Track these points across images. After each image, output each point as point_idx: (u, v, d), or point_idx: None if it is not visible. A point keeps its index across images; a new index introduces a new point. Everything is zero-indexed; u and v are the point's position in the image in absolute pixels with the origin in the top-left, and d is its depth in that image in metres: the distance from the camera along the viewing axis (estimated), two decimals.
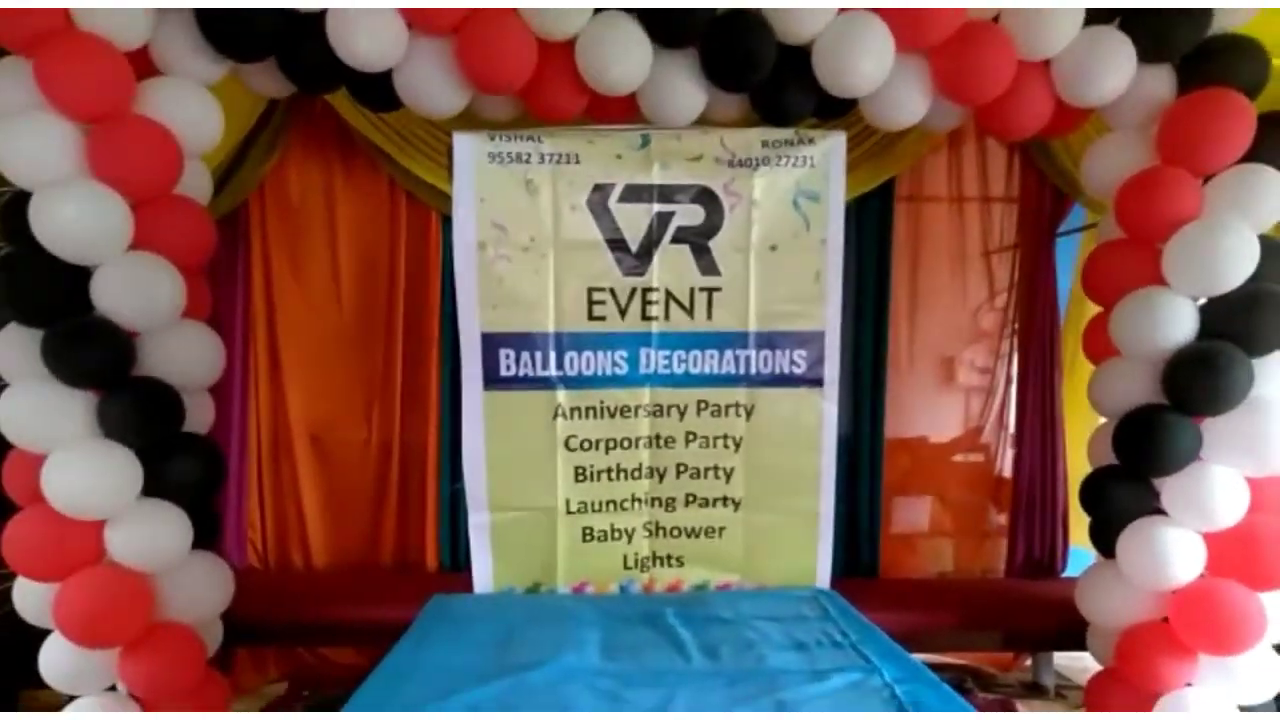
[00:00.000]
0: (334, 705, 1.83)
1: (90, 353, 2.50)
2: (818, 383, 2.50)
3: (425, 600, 2.78)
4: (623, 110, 2.82)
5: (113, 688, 2.71)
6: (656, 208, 2.38)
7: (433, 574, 3.70)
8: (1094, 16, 2.69)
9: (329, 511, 3.82)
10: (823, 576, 2.58)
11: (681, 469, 2.46)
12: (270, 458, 3.75)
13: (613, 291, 2.41)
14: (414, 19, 2.58)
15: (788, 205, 2.37)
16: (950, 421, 4.18)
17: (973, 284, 4.05)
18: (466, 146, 2.37)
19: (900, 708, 1.70)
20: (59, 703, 3.32)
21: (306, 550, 3.79)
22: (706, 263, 2.39)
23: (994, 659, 4.07)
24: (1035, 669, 3.92)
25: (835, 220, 2.43)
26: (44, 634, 3.03)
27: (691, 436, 2.47)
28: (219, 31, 2.57)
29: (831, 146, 2.43)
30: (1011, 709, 3.64)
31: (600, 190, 2.38)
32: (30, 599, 2.61)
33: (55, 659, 2.61)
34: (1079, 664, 3.69)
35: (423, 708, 1.66)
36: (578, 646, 1.95)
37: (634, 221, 2.37)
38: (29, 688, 3.44)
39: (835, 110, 2.88)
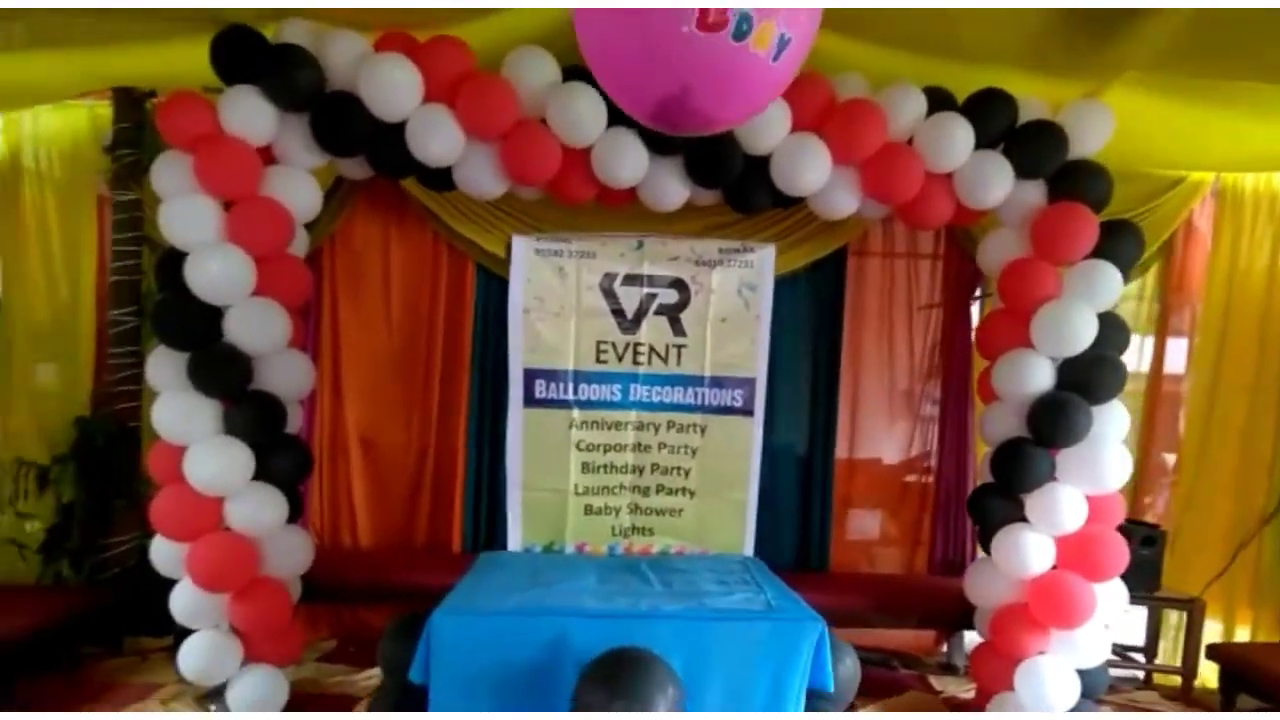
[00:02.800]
0: (418, 620, 2.64)
1: (222, 372, 3.36)
2: (750, 413, 3.38)
3: (451, 573, 3.62)
4: (625, 199, 3.70)
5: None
6: (646, 290, 3.27)
7: (457, 554, 4.49)
8: (983, 142, 3.56)
9: (374, 500, 4.65)
10: (748, 546, 3.42)
11: (655, 467, 3.33)
12: (329, 456, 4.57)
13: (613, 345, 3.29)
14: (471, 130, 3.44)
15: (734, 293, 3.25)
16: (896, 447, 5.01)
17: (913, 331, 4.89)
18: (520, 244, 3.23)
19: (768, 607, 2.56)
20: (155, 648, 4.19)
21: (355, 531, 4.61)
22: (678, 328, 3.28)
23: (917, 644, 4.90)
24: (949, 651, 4.77)
25: (765, 303, 3.33)
26: (142, 592, 3.92)
27: (663, 445, 3.34)
28: (325, 134, 3.43)
29: (765, 255, 3.30)
30: (927, 682, 4.48)
31: (609, 276, 3.26)
32: (165, 555, 3.44)
33: (182, 601, 3.44)
34: None
35: (487, 610, 2.49)
36: (581, 577, 2.83)
37: (630, 298, 3.26)
38: (132, 635, 4.31)
39: (789, 203, 3.77)
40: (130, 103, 4.25)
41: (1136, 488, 4.93)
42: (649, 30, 1.39)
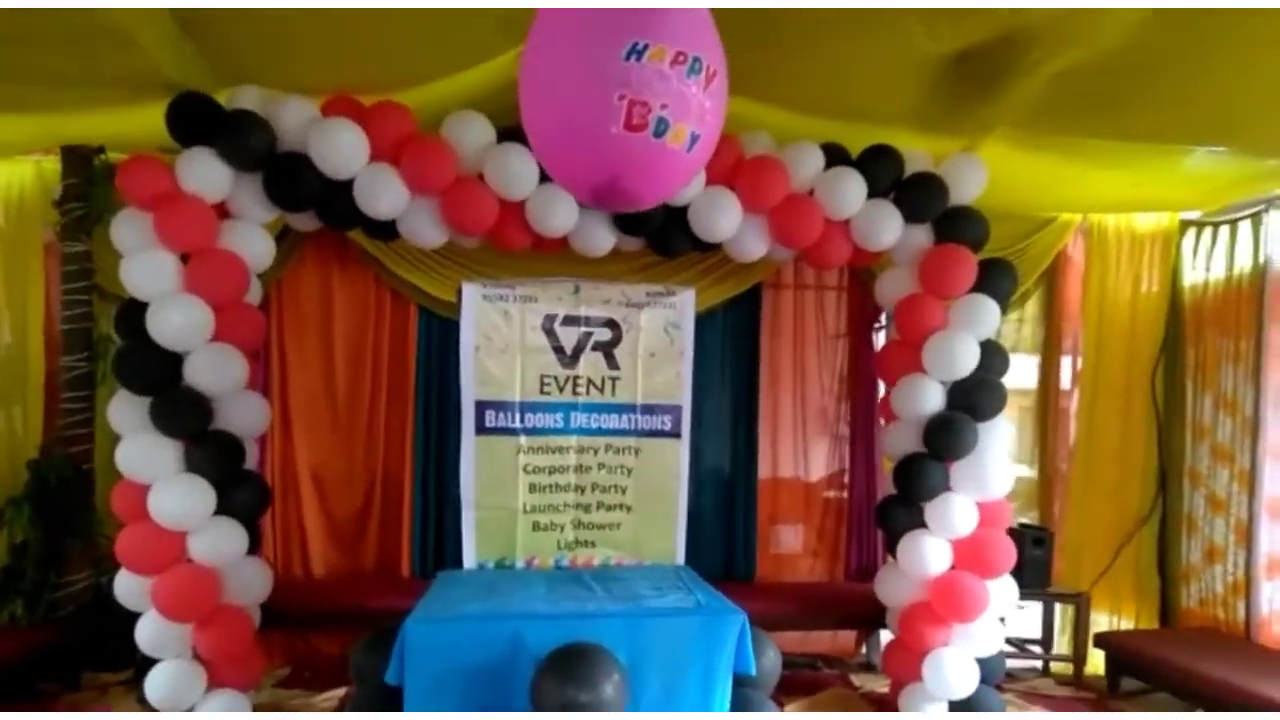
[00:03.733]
0: (388, 635, 2.88)
1: (183, 414, 3.59)
2: (677, 435, 3.74)
3: (401, 596, 3.86)
4: (557, 246, 4.06)
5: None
6: (583, 329, 3.62)
7: (406, 578, 4.76)
8: (874, 192, 4.01)
9: (325, 530, 4.87)
10: (679, 555, 3.76)
11: (594, 486, 3.66)
12: (281, 489, 4.76)
13: (555, 378, 3.64)
14: (414, 186, 3.75)
15: (660, 330, 3.63)
16: (815, 465, 5.42)
17: (825, 359, 5.33)
18: (469, 290, 3.55)
19: (698, 605, 2.91)
20: (113, 682, 4.33)
21: (307, 560, 4.81)
22: (612, 362, 3.64)
23: (840, 646, 5.29)
24: (868, 651, 5.18)
25: (688, 339, 3.70)
26: (98, 629, 4.09)
27: (601, 466, 3.69)
28: (277, 192, 3.71)
29: (686, 297, 3.69)
30: (848, 679, 4.87)
31: (549, 318, 3.61)
32: (129, 588, 3.64)
33: (147, 631, 3.62)
34: None
35: (452, 617, 2.77)
36: (532, 587, 3.14)
37: (569, 337, 3.62)
38: (90, 671, 4.44)
39: (707, 248, 4.17)
40: (78, 159, 4.42)
41: (1039, 494, 5.47)
42: (584, 131, 1.73)
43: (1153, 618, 5.25)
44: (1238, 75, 3.33)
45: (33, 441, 4.65)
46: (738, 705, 2.84)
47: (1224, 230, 4.97)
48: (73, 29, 3.13)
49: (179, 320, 3.53)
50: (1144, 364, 5.21)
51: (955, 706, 4.07)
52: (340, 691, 4.33)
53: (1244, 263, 4.85)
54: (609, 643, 2.52)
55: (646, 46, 1.63)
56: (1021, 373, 5.49)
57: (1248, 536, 4.77)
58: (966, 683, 3.99)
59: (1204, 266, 5.12)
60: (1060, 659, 5.08)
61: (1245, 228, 4.82)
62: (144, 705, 3.86)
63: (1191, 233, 5.18)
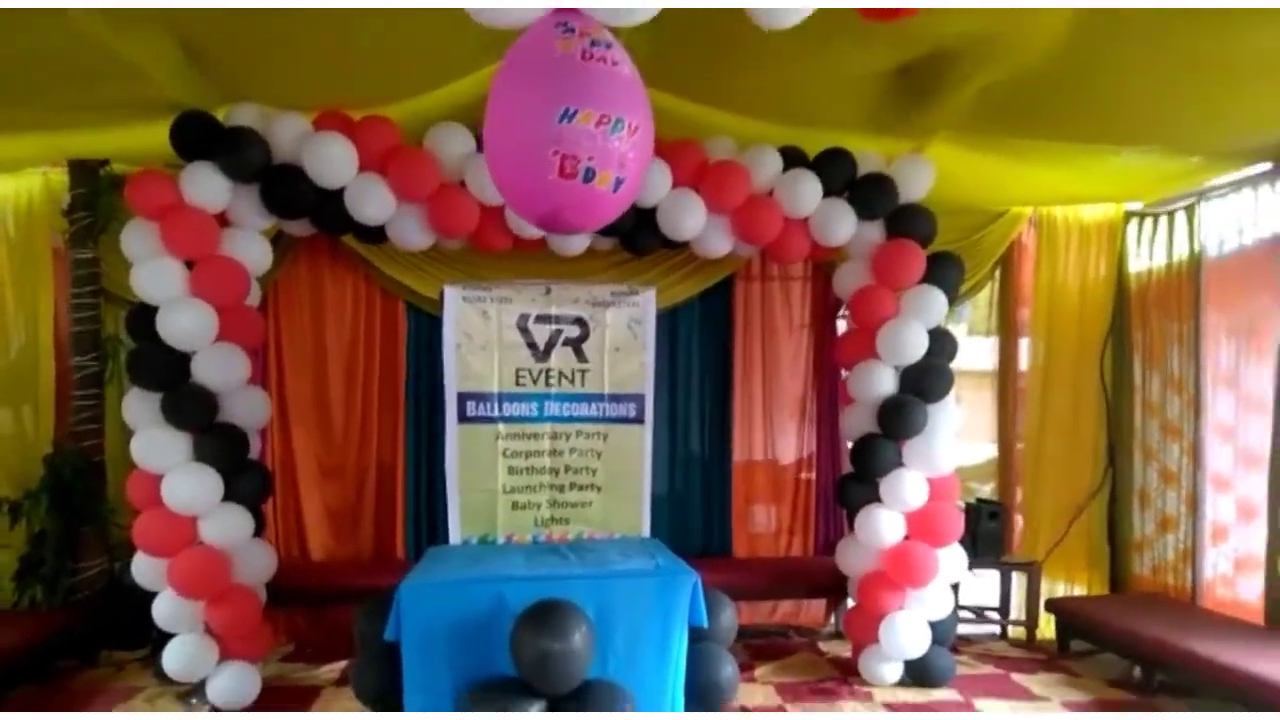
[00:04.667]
0: (387, 602, 3.19)
1: (192, 408, 3.90)
2: (641, 421, 4.06)
3: (397, 576, 4.16)
4: (536, 246, 4.37)
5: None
6: (554, 327, 3.93)
7: (401, 560, 5.09)
8: (830, 191, 4.32)
9: (324, 516, 5.19)
10: (645, 528, 4.07)
11: (567, 468, 3.98)
12: (281, 478, 5.07)
13: (529, 371, 3.95)
14: (400, 194, 4.05)
15: (625, 327, 3.94)
16: (787, 448, 5.75)
17: (795, 346, 5.65)
18: (451, 292, 3.84)
19: (656, 567, 3.24)
20: (129, 660, 4.65)
21: (305, 544, 5.13)
22: (581, 356, 3.96)
23: (812, 617, 5.63)
24: (836, 621, 5.52)
25: (650, 335, 4.01)
26: (113, 610, 4.41)
27: (573, 450, 4.01)
28: (274, 201, 4.00)
29: (648, 296, 4.01)
30: (816, 646, 5.21)
31: (523, 316, 3.90)
32: (146, 569, 3.95)
33: (163, 609, 3.94)
34: None
35: (441, 580, 3.08)
36: (511, 557, 3.46)
37: (541, 334, 3.93)
38: (106, 649, 4.76)
39: (675, 246, 4.48)
40: (85, 171, 4.71)
41: (998, 470, 5.82)
42: (528, 177, 2.12)
43: (1103, 585, 5.60)
44: (1153, 84, 3.64)
45: (45, 437, 4.93)
46: (697, 658, 3.17)
47: (1163, 220, 5.30)
48: (89, 67, 3.42)
49: (186, 322, 3.84)
50: (1094, 345, 5.54)
51: (910, 666, 4.41)
52: (341, 664, 4.65)
53: (1182, 251, 5.17)
54: (578, 600, 2.84)
55: (576, 111, 2.04)
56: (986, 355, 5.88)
57: (1194, 507, 5.09)
58: (919, 643, 4.34)
59: (1147, 254, 5.45)
60: (1016, 624, 5.42)
61: (1181, 218, 5.15)
62: (160, 679, 4.21)
63: (1135, 223, 5.50)
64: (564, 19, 2.14)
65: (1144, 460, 5.50)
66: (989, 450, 5.98)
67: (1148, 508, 5.46)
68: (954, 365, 4.48)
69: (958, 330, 5.64)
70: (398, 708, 2.92)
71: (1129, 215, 5.53)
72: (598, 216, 2.20)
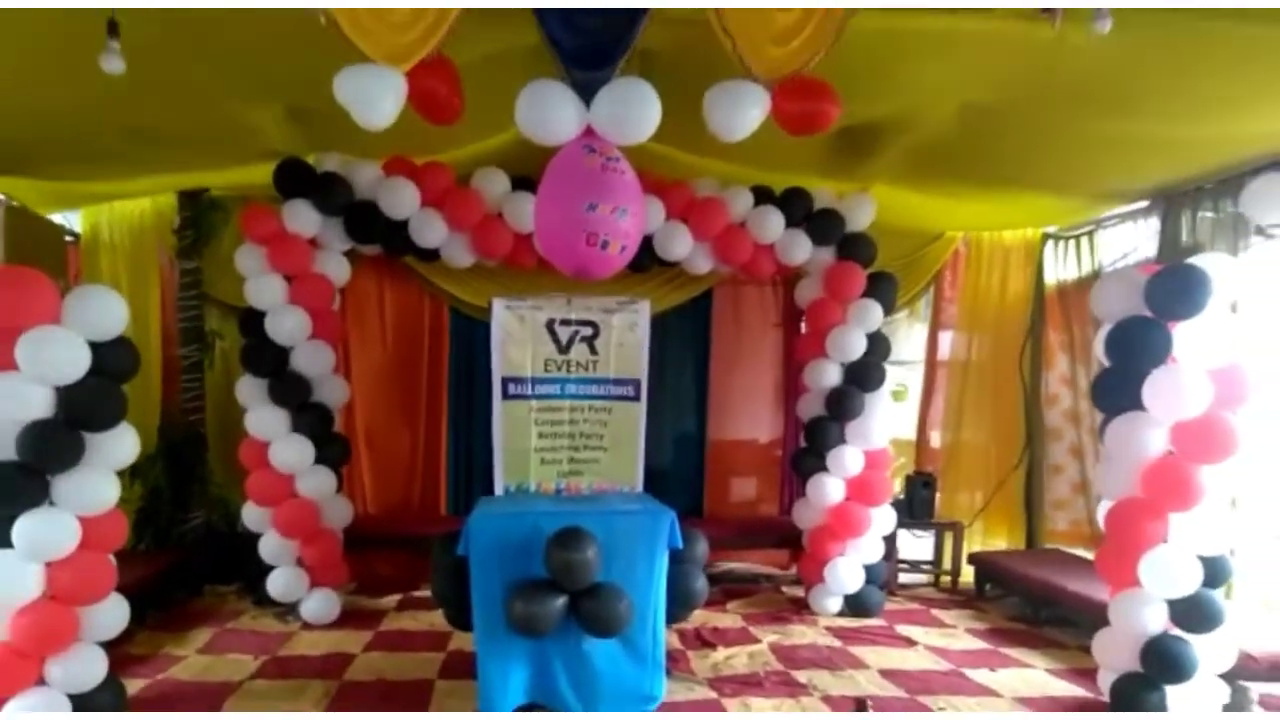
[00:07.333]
0: (453, 535, 4.32)
1: (291, 391, 5.04)
2: (637, 399, 5.13)
3: (440, 527, 5.32)
4: None
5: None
6: (573, 328, 5.02)
7: (443, 515, 6.24)
8: (791, 222, 5.44)
9: (378, 477, 6.35)
10: (638, 483, 5.17)
11: (581, 434, 5.07)
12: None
13: (555, 361, 5.03)
14: (452, 224, 5.17)
15: (627, 329, 5.04)
16: (761, 428, 6.89)
17: (766, 343, 6.78)
18: (497, 304, 4.92)
19: (644, 509, 4.36)
20: (228, 591, 5.80)
21: (364, 499, 6.28)
22: (593, 350, 5.04)
23: (778, 562, 6.75)
24: (797, 569, 6.67)
25: (645, 334, 5.08)
26: (213, 552, 5.59)
27: (586, 420, 5.08)
28: (354, 230, 5.13)
29: (643, 306, 5.09)
30: (779, 588, 6.37)
31: (551, 320, 4.98)
32: (254, 516, 5.11)
33: (268, 546, 5.10)
34: None
35: (496, 513, 4.20)
36: (541, 500, 4.64)
37: (564, 334, 5.02)
38: (210, 584, 5.92)
39: (667, 265, 5.61)
40: (190, 197, 5.82)
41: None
42: (563, 246, 3.27)
43: (1020, 542, 6.76)
44: (1028, 150, 4.75)
45: (153, 412, 6.05)
46: (676, 577, 4.30)
47: (1073, 243, 6.43)
48: (216, 129, 4.52)
49: (287, 324, 4.98)
50: (1015, 344, 6.69)
51: (848, 599, 5.57)
52: (397, 597, 5.81)
53: (1086, 267, 6.30)
54: (590, 528, 3.96)
55: (597, 204, 3.17)
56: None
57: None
58: (856, 581, 5.50)
59: (1061, 269, 6.57)
60: (944, 574, 6.59)
61: (1085, 242, 6.28)
62: (258, 604, 5.38)
63: (1051, 243, 6.63)
64: (588, 142, 3.27)
65: (1055, 440, 6.65)
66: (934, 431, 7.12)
67: (1061, 475, 6.61)
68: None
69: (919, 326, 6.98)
70: (465, 606, 4.04)
71: (1045, 236, 6.65)
72: (608, 270, 3.36)
